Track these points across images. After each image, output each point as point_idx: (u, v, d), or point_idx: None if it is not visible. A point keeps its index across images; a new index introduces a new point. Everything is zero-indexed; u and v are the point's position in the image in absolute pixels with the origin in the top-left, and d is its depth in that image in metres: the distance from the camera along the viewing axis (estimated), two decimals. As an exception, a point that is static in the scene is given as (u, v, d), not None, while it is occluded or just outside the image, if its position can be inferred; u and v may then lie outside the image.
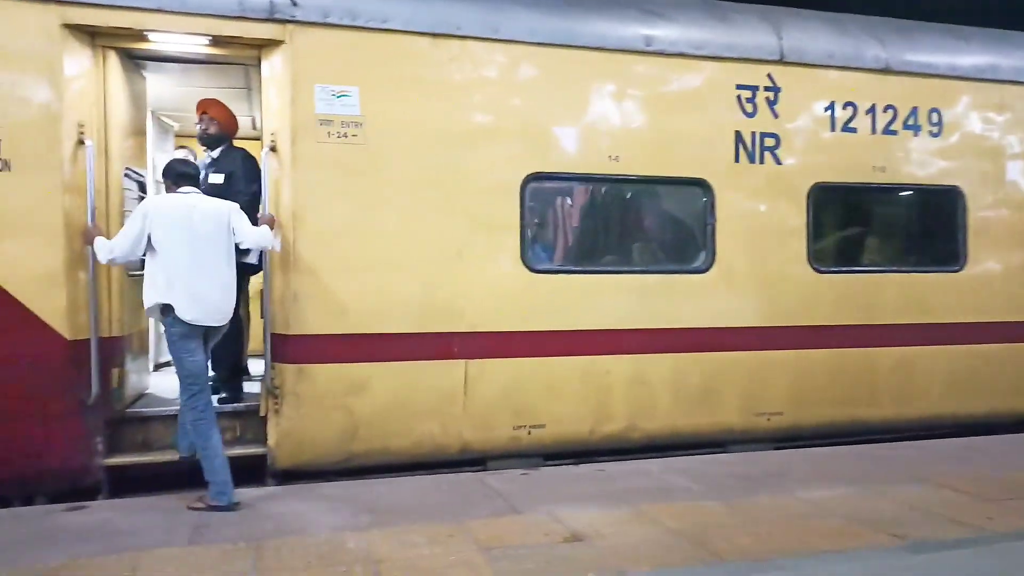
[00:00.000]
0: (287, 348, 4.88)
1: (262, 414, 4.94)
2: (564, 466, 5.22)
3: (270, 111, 4.98)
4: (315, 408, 4.91)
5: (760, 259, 5.86)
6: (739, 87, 5.81)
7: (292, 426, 4.88)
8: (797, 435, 5.98)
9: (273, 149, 4.92)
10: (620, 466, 5.17)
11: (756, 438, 5.87)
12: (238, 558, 3.48)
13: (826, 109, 6.06)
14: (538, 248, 5.55)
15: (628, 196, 5.92)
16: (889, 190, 6.42)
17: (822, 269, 6.04)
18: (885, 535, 3.80)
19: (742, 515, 4.11)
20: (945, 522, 4.01)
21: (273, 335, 4.91)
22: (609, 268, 5.66)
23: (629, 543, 3.67)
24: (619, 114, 5.54)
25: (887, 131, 6.22)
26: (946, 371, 6.37)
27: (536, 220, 5.51)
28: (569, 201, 5.74)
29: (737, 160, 5.79)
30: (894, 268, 6.38)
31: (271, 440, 4.90)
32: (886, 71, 6.20)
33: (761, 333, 5.85)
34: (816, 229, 6.02)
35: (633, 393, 5.55)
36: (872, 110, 6.17)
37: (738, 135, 5.80)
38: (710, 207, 5.73)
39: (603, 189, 5.79)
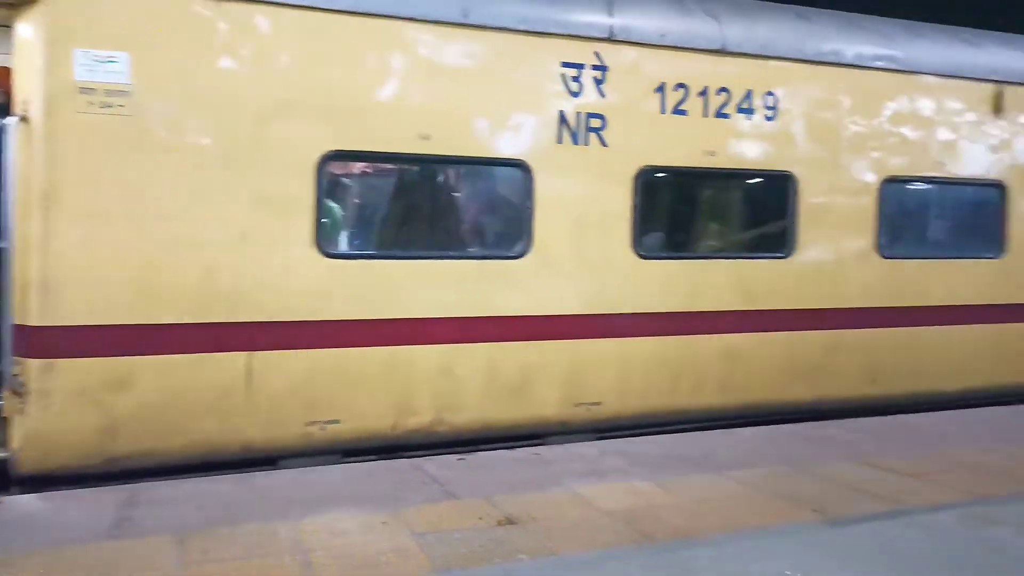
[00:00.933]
0: (34, 341, 4.40)
1: (4, 415, 4.48)
2: (500, 450, 5.23)
3: (23, 77, 4.47)
4: (67, 407, 4.45)
5: (582, 245, 5.62)
6: (564, 65, 5.50)
7: (39, 427, 4.42)
8: (618, 425, 5.80)
9: (24, 119, 4.37)
10: (556, 450, 5.22)
11: (575, 429, 5.68)
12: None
13: (656, 90, 5.81)
14: (335, 232, 5.26)
15: (440, 178, 5.63)
16: (719, 175, 6.30)
17: (648, 255, 5.85)
18: (808, 511, 3.94)
19: (675, 495, 4.20)
20: (864, 497, 4.17)
21: (17, 327, 4.43)
22: (415, 254, 5.36)
23: (563, 526, 3.71)
24: (431, 90, 5.16)
25: (720, 114, 6.04)
26: (773, 359, 6.33)
27: (334, 202, 5.22)
28: (373, 182, 5.50)
29: (560, 141, 5.51)
30: (722, 255, 6.35)
31: (15, 443, 4.44)
32: (722, 52, 6.01)
33: (581, 321, 5.66)
34: (643, 214, 5.79)
35: (440, 385, 5.28)
36: (705, 92, 5.97)
37: (562, 115, 5.50)
38: (529, 190, 5.45)
39: (412, 169, 5.52)
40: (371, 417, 5.14)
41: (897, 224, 6.84)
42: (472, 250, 5.66)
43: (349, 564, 3.25)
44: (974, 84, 6.92)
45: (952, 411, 6.49)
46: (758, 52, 6.16)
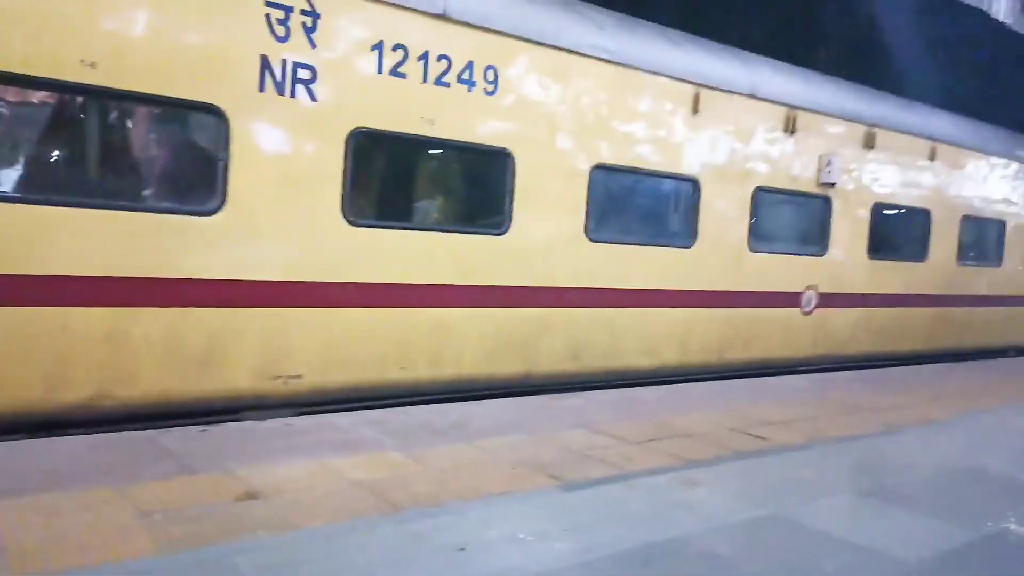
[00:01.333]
0: None
1: None
2: (248, 421, 5.00)
3: None
4: None
5: (285, 205, 5.28)
6: (269, 4, 5.09)
7: None
8: (322, 399, 5.58)
9: None
10: (309, 420, 5.10)
11: (273, 404, 5.38)
12: None
13: (373, 48, 5.57)
14: None
15: (110, 115, 4.88)
16: (437, 144, 6.16)
17: (358, 222, 5.61)
18: (545, 477, 4.22)
19: (423, 464, 4.29)
20: (595, 463, 4.57)
21: None
22: (78, 200, 4.62)
23: (308, 498, 3.64)
24: (100, 9, 4.52)
25: (439, 82, 5.90)
26: (485, 334, 6.42)
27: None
28: (27, 114, 4.74)
29: (262, 90, 5.10)
30: (438, 227, 6.27)
31: None
32: (443, 17, 5.86)
33: (280, 288, 5.32)
34: (354, 179, 5.54)
35: (105, 355, 4.69)
36: (425, 57, 5.79)
37: (265, 61, 5.10)
38: (223, 140, 4.98)
39: (71, 102, 4.72)
40: (10, 388, 4.49)
41: (604, 210, 7.28)
42: (149, 203, 4.97)
43: (56, 550, 2.92)
44: (677, 84, 7.53)
45: (674, 384, 7.31)
46: (481, 23, 6.10)
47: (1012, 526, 4.01)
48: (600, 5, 7.45)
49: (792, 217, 9.22)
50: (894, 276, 10.05)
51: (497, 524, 3.49)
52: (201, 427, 4.71)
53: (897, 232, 10.31)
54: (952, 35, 16.20)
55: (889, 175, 9.71)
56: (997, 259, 11.70)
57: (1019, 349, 12.06)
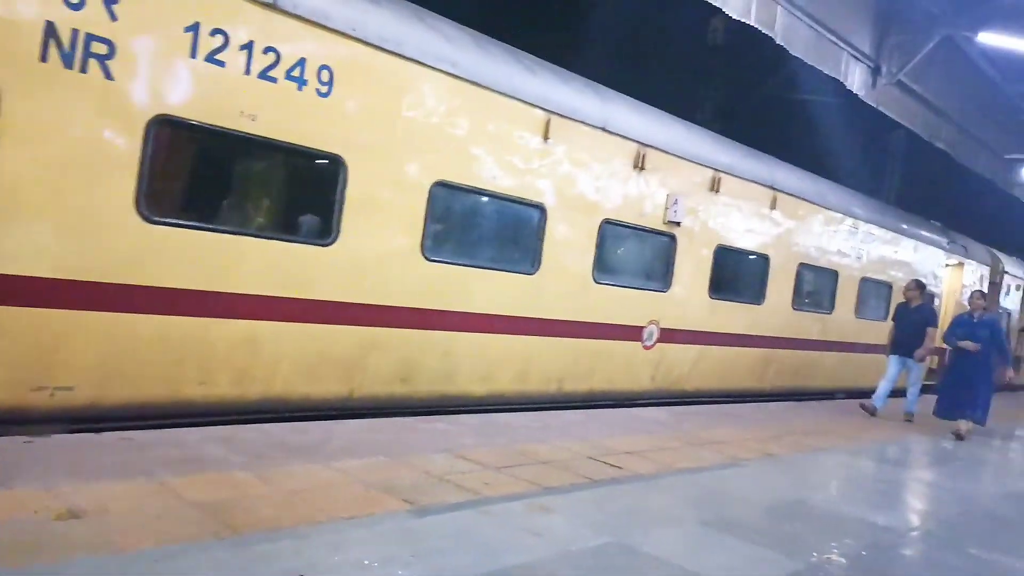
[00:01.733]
0: None
1: None
2: (84, 434, 4.64)
3: None
4: None
5: (66, 194, 4.76)
6: None
7: None
8: (98, 415, 5.08)
9: None
10: (152, 435, 4.79)
11: (35, 417, 4.82)
12: None
13: (187, 29, 5.14)
14: None
15: None
16: (259, 143, 5.65)
17: (157, 220, 5.12)
18: (399, 501, 4.16)
19: (272, 485, 4.13)
20: (452, 488, 4.55)
21: None
22: None
23: (138, 519, 3.41)
24: None
25: (265, 76, 5.50)
26: (304, 351, 6.07)
27: None
28: None
29: (45, 60, 4.59)
30: (251, 231, 5.75)
31: None
32: (273, 7, 5.51)
33: (52, 287, 4.77)
34: (153, 171, 5.08)
35: None
36: (249, 47, 5.40)
37: (50, 28, 4.58)
38: None
39: None
40: None
41: (444, 229, 7.13)
42: None
43: None
44: (528, 108, 7.45)
45: (539, 412, 7.43)
46: (316, 19, 5.75)
47: (834, 556, 4.31)
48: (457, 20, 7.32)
49: (637, 252, 9.39)
50: (733, 316, 10.47)
51: (343, 549, 3.40)
52: (26, 438, 4.33)
53: (737, 274, 10.73)
54: (810, 100, 17.71)
55: (732, 219, 10.13)
56: (829, 307, 12.44)
57: (847, 392, 12.75)
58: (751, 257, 10.75)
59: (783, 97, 18.37)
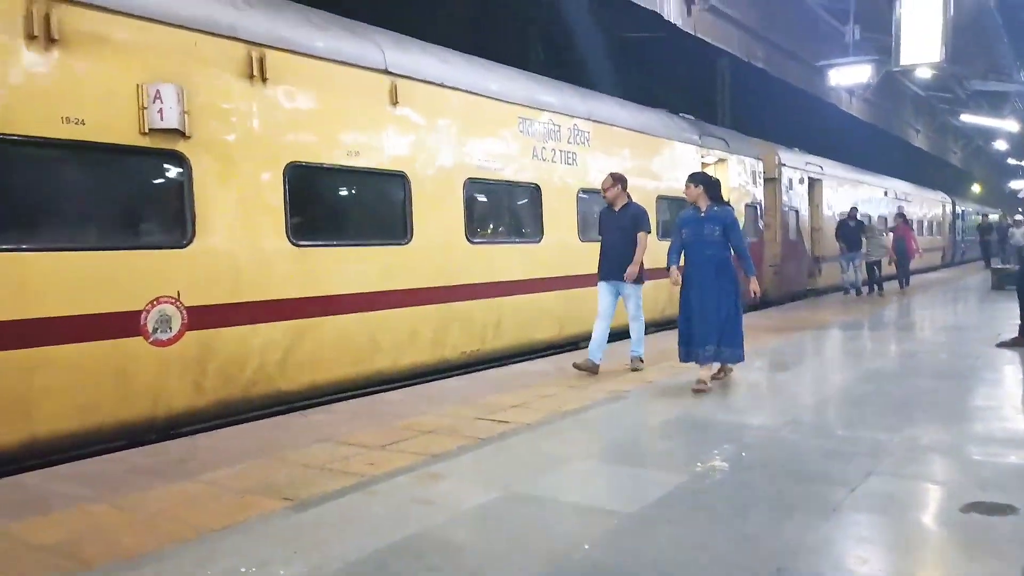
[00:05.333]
0: None
1: None
2: None
3: None
4: None
5: None
6: None
7: None
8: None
9: None
10: (-16, 486, 4.28)
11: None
12: None
13: None
14: None
15: None
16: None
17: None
18: (278, 500, 3.92)
19: (131, 512, 3.78)
20: (335, 475, 4.35)
21: None
22: None
23: (-29, 579, 3.01)
24: None
25: None
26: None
27: None
28: None
29: None
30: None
31: None
32: None
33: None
34: None
35: None
36: None
37: None
38: None
39: None
40: None
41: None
42: None
43: None
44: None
45: (420, 385, 7.30)
46: None
47: (717, 463, 4.46)
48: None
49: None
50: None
51: (216, 561, 3.15)
52: None
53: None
54: (639, 38, 18.24)
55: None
56: (537, 234, 9.71)
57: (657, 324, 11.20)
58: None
59: (614, 36, 18.81)
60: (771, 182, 15.95)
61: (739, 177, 14.33)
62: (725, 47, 15.71)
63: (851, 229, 16.24)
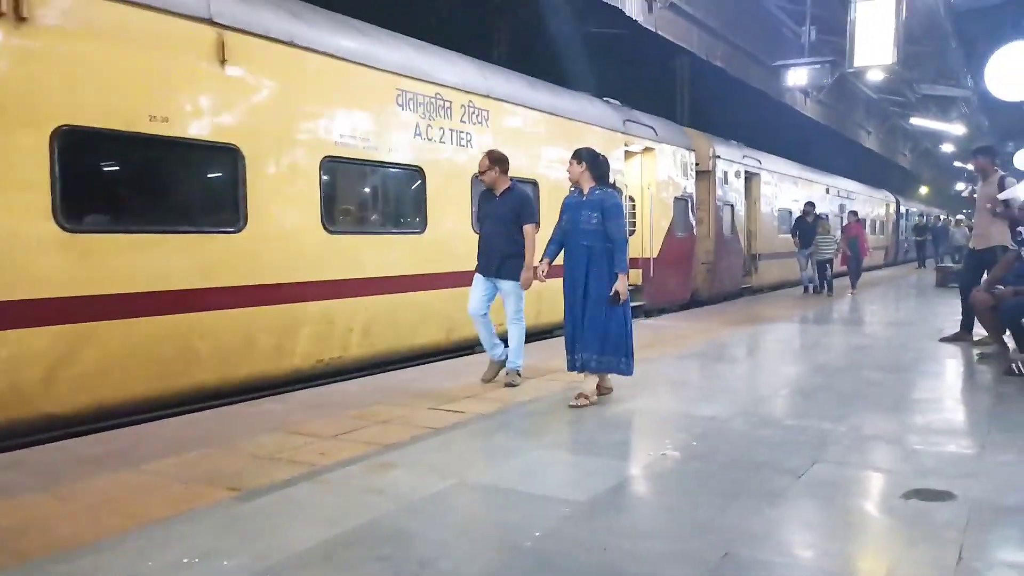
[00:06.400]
0: None
1: None
2: None
3: None
4: None
5: None
6: None
7: None
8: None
9: None
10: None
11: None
12: None
13: None
14: None
15: None
16: None
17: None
18: (224, 490, 3.84)
19: (70, 503, 3.66)
20: (284, 464, 4.28)
21: None
22: None
23: None
24: None
25: None
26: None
27: None
28: None
29: None
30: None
31: None
32: None
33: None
34: None
35: None
36: None
37: None
38: None
39: None
40: None
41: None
42: None
43: None
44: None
45: (372, 376, 7.23)
46: None
47: (669, 452, 4.51)
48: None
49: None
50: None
51: (157, 553, 3.07)
52: None
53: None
54: (602, 34, 18.34)
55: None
56: (421, 225, 8.62)
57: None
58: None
59: (577, 31, 18.88)
60: (704, 175, 15.19)
61: (668, 168, 13.44)
62: (685, 45, 15.87)
63: (808, 225, 15.94)
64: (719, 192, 15.69)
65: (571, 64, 18.36)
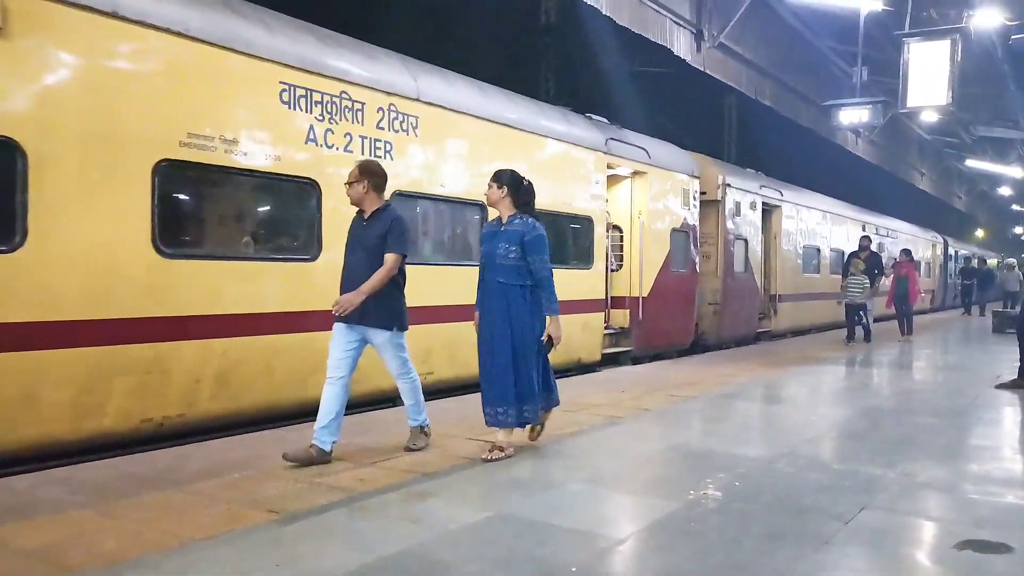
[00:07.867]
0: None
1: None
2: None
3: None
4: None
5: None
6: None
7: None
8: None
9: None
10: (-30, 488, 4.25)
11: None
12: None
13: None
14: None
15: None
16: None
17: None
18: (264, 513, 3.88)
19: (118, 519, 3.74)
20: (323, 489, 4.31)
21: None
22: None
23: (-50, 579, 2.98)
24: None
25: None
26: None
27: None
28: None
29: None
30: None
31: None
32: None
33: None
34: None
35: None
36: None
37: None
38: None
39: None
40: None
41: None
42: None
43: None
44: None
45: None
46: None
47: (710, 491, 4.42)
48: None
49: None
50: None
51: (197, 571, 3.11)
52: None
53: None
54: (649, 72, 18.47)
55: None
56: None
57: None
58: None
59: (625, 69, 19.05)
60: (711, 205, 13.63)
61: (664, 195, 11.92)
62: (734, 84, 15.88)
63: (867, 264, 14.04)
64: (730, 224, 14.07)
65: (620, 100, 18.48)
